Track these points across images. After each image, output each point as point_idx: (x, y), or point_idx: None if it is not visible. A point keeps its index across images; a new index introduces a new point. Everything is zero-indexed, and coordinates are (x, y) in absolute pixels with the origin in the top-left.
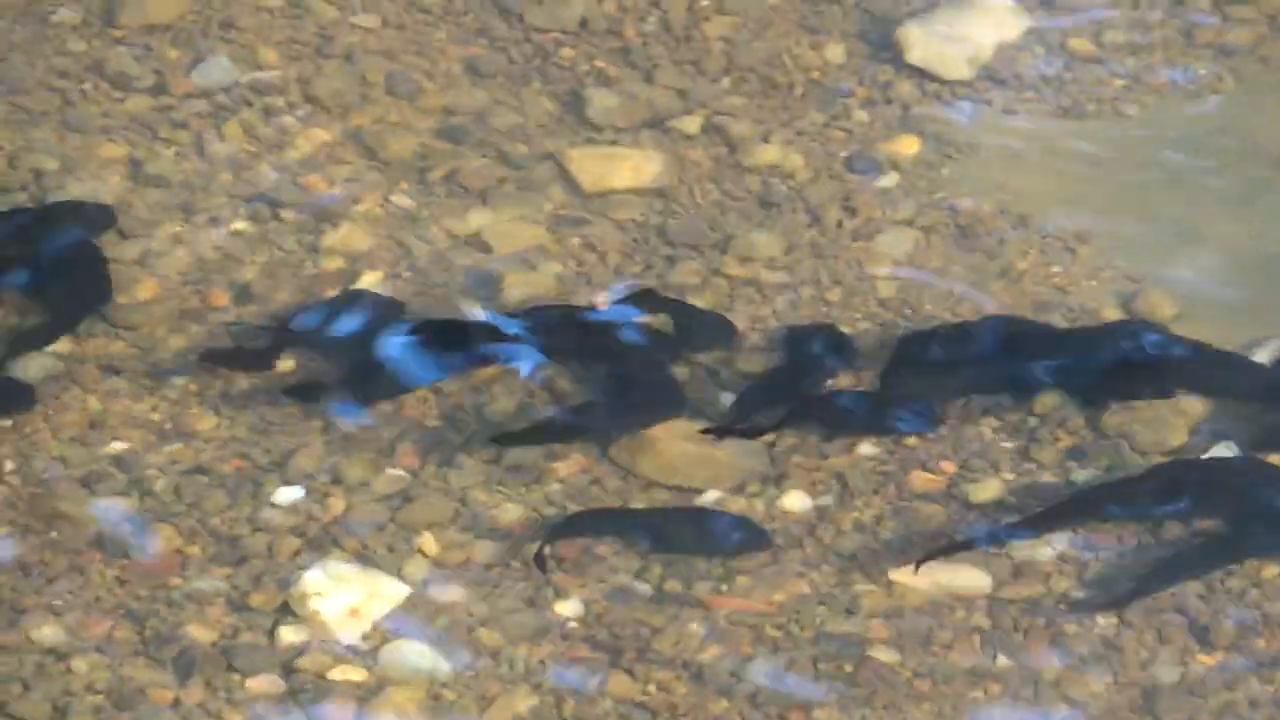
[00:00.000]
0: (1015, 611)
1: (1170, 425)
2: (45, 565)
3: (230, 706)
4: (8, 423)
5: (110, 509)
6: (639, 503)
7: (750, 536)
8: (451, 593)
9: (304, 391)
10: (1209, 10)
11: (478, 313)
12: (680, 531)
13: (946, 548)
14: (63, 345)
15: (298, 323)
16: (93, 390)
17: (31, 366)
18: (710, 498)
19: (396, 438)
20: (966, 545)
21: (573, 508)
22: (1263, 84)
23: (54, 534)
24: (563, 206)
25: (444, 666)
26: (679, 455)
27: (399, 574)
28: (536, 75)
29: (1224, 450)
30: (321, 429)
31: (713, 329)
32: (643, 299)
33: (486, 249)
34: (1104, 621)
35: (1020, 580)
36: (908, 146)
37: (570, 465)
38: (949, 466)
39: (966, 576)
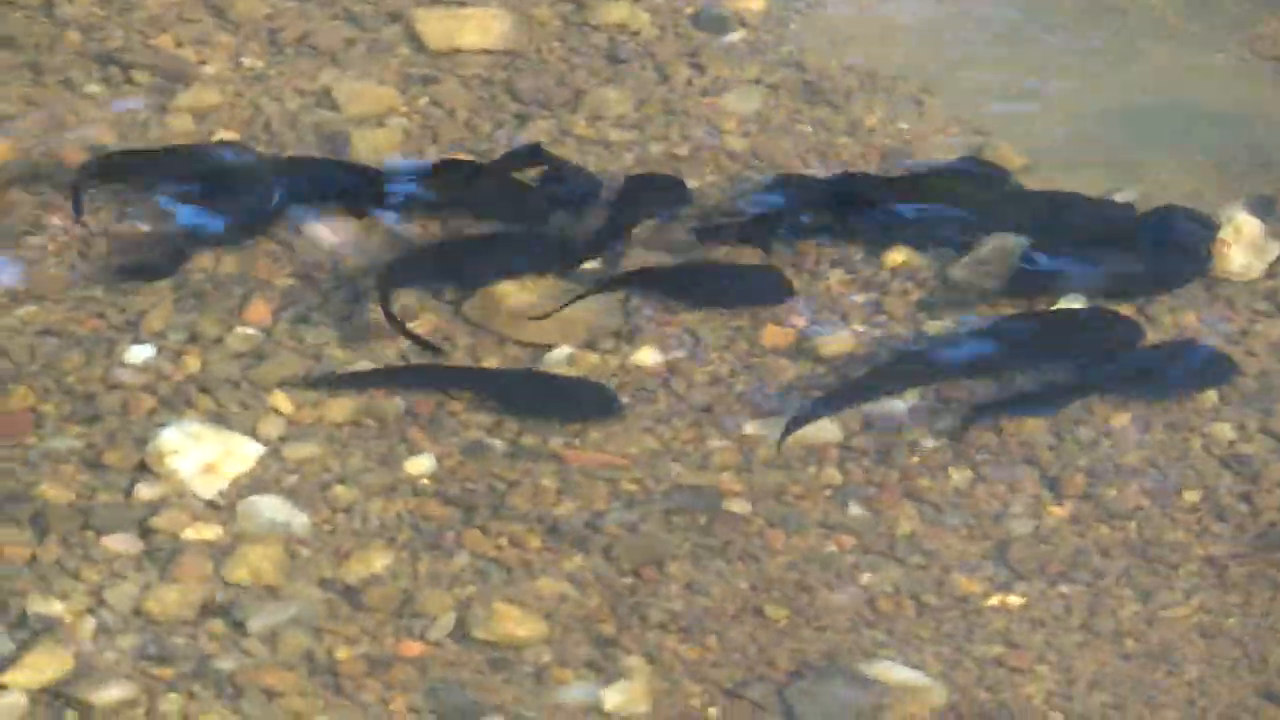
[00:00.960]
0: (868, 463)
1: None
2: None
3: (87, 564)
4: None
5: None
6: (492, 360)
7: (600, 402)
8: (306, 450)
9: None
10: None
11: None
12: (528, 395)
13: (806, 414)
14: None
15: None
16: None
17: None
18: (561, 354)
19: (248, 294)
20: (824, 409)
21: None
22: None
23: None
24: (410, 65)
25: (299, 523)
26: (530, 311)
27: (253, 432)
28: None
29: (1072, 301)
30: (173, 287)
31: (585, 184)
32: (527, 155)
33: (335, 107)
34: (957, 475)
35: (872, 430)
36: (755, 2)
37: (424, 323)
38: (800, 320)
39: (817, 427)
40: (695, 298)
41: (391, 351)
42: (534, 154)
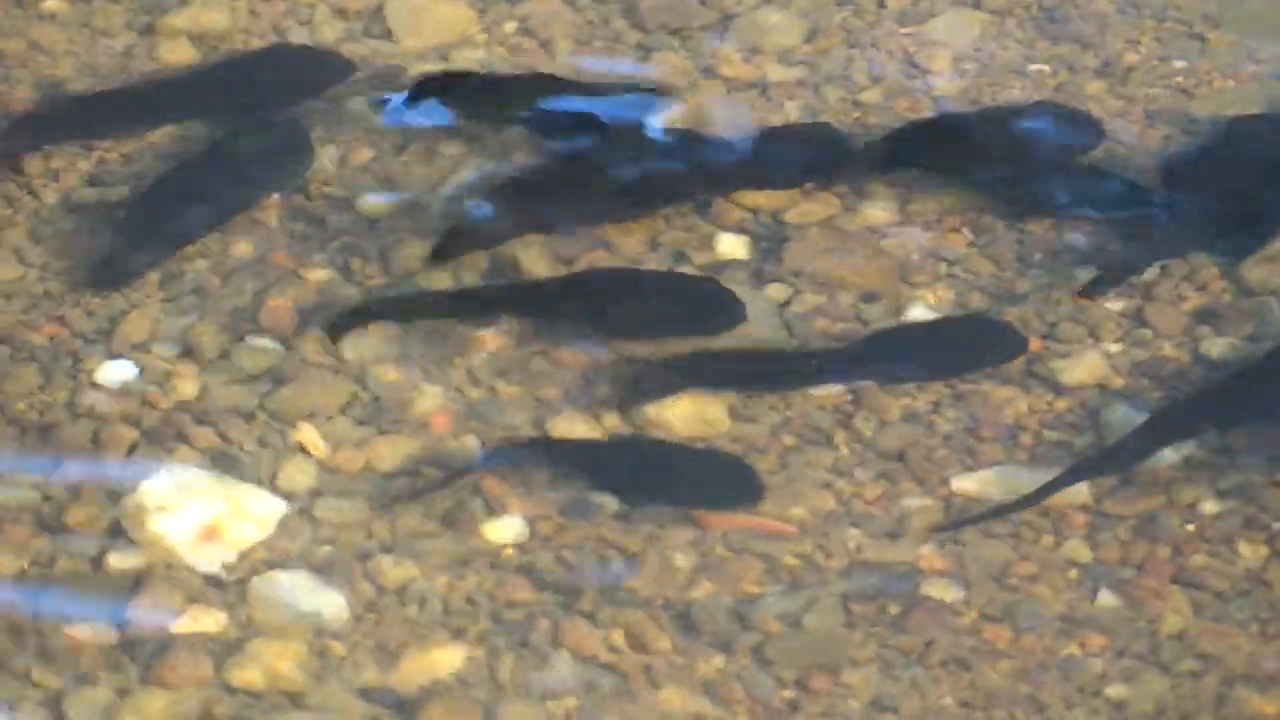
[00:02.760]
0: (1124, 532)
1: None
2: None
3: (42, 664)
4: None
5: None
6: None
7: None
8: (343, 508)
9: None
10: None
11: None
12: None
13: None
14: None
15: None
16: None
17: None
18: None
19: (266, 290)
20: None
21: (503, 387)
22: None
23: None
24: None
25: (334, 608)
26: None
27: (271, 483)
28: None
29: None
30: (161, 281)
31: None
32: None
33: (387, 35)
34: (1248, 552)
35: (1131, 488)
36: None
37: (501, 335)
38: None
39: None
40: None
41: (461, 372)
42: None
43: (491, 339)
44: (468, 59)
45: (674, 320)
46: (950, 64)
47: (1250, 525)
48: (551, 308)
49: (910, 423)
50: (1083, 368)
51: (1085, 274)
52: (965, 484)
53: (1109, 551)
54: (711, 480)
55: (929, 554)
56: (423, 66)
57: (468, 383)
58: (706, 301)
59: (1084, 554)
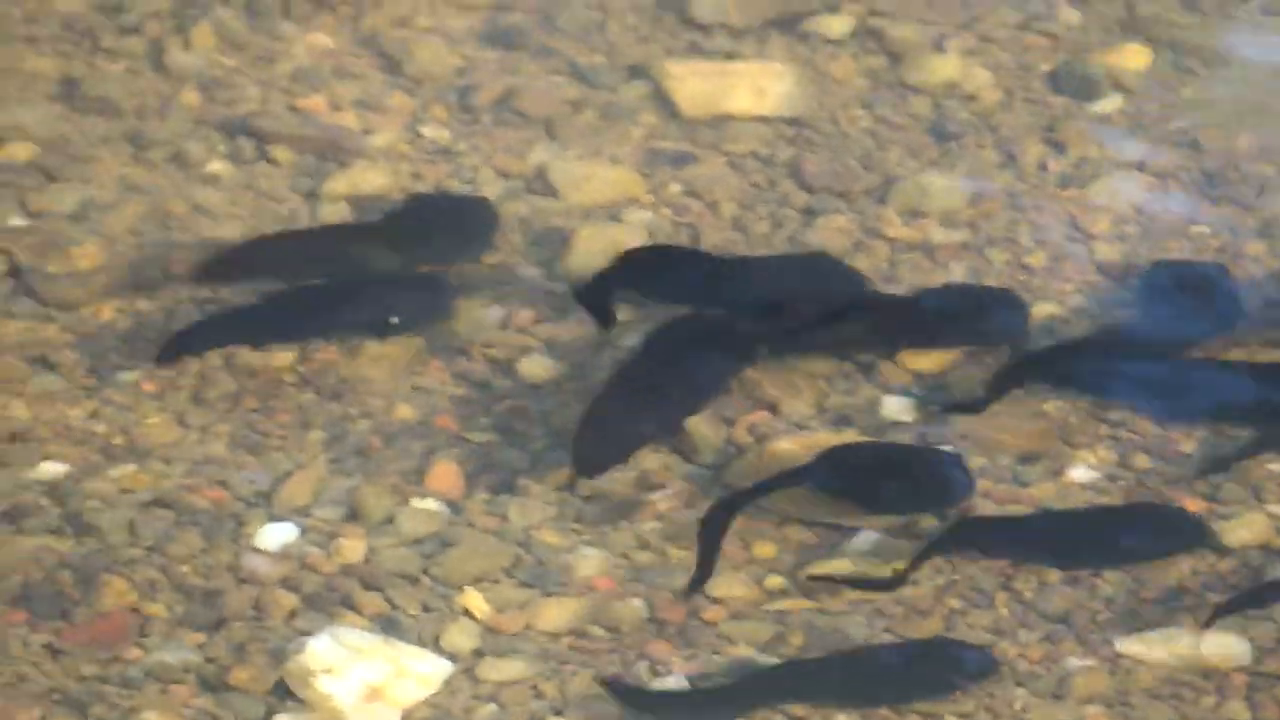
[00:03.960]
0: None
1: None
2: None
3: None
4: None
5: (40, 553)
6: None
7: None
8: (511, 669)
9: None
10: None
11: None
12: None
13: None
14: None
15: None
16: (17, 392)
17: None
18: (868, 538)
19: (430, 453)
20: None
21: (674, 552)
22: None
23: None
24: (657, 137)
25: None
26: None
27: (436, 645)
28: None
29: None
30: (324, 443)
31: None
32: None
33: (553, 194)
34: None
35: None
36: (1136, 59)
37: (671, 497)
38: (1194, 503)
39: (1218, 644)
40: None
41: (632, 536)
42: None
43: (662, 502)
44: (636, 220)
45: (913, 495)
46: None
47: None
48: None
49: (1071, 586)
50: (1246, 528)
51: (1247, 433)
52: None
53: (1268, 711)
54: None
55: (1095, 714)
56: (587, 226)
57: (635, 547)
58: (942, 474)
59: (1243, 714)
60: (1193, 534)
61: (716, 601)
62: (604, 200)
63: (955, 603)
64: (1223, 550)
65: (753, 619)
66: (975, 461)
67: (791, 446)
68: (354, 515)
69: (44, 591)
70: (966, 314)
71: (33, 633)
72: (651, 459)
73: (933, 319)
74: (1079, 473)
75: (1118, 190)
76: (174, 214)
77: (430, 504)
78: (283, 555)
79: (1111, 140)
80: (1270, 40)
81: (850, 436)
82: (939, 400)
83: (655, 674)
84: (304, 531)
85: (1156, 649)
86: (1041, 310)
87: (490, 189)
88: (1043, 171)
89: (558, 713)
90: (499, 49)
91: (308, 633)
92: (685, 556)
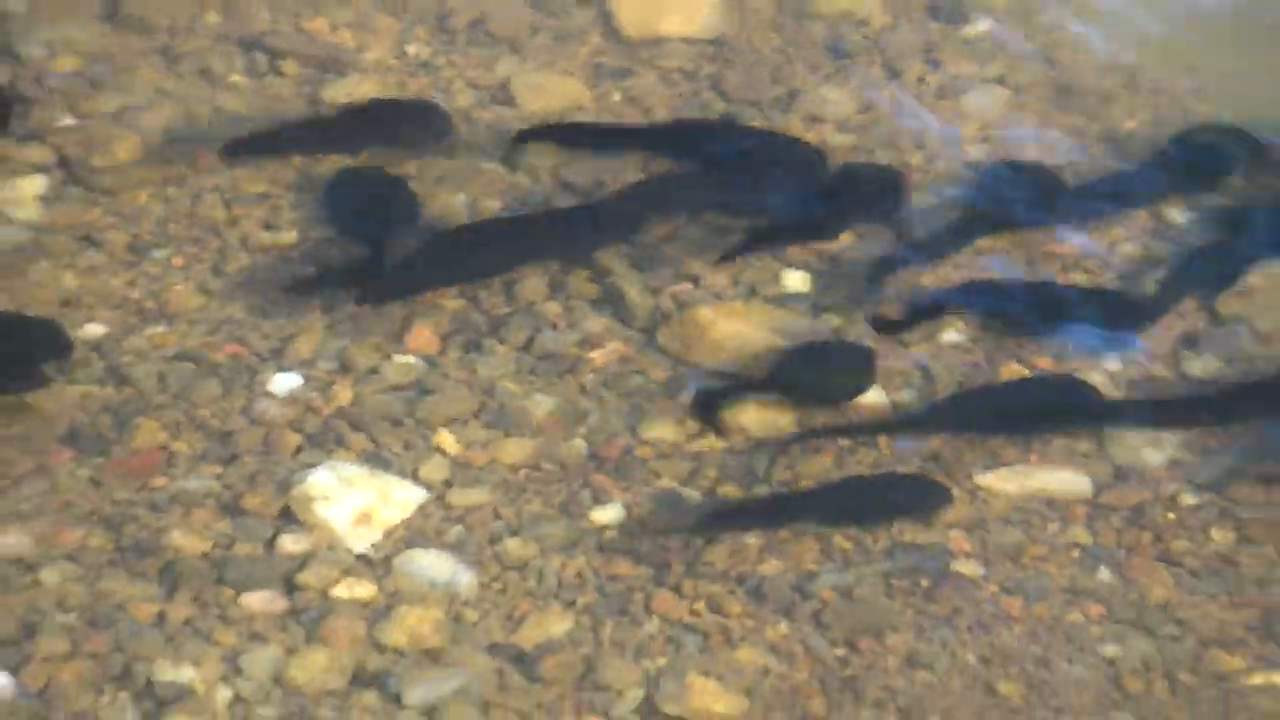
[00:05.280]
0: (1119, 522)
1: None
2: (8, 465)
3: (223, 625)
4: None
5: (84, 400)
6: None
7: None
8: (474, 497)
9: None
10: None
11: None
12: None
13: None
14: (30, 211)
15: None
16: (66, 264)
17: None
18: None
19: (410, 316)
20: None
21: (610, 399)
22: None
23: (17, 429)
24: (602, 55)
25: (465, 581)
26: (733, 338)
27: (415, 476)
28: None
29: None
30: (324, 308)
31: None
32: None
33: (513, 103)
34: (1219, 536)
35: (1126, 484)
36: None
37: (608, 352)
38: (1044, 361)
39: (1062, 480)
40: None
41: (571, 385)
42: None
43: (600, 358)
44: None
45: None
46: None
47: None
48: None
49: None
50: None
51: None
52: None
53: (1105, 537)
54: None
55: (957, 538)
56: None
57: (579, 394)
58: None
59: (1085, 538)
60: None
61: (646, 443)
62: (556, 107)
63: (846, 443)
64: None
65: (675, 458)
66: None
67: (710, 314)
68: (346, 367)
69: (88, 432)
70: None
71: (78, 467)
72: (595, 322)
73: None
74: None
75: (983, 101)
76: (200, 116)
77: (410, 359)
78: (289, 400)
79: (980, 58)
80: None
81: (758, 306)
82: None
83: (596, 501)
84: (306, 380)
85: (1009, 483)
86: (919, 199)
87: (462, 98)
88: (922, 84)
89: (514, 533)
90: None
91: (308, 466)
92: (619, 402)
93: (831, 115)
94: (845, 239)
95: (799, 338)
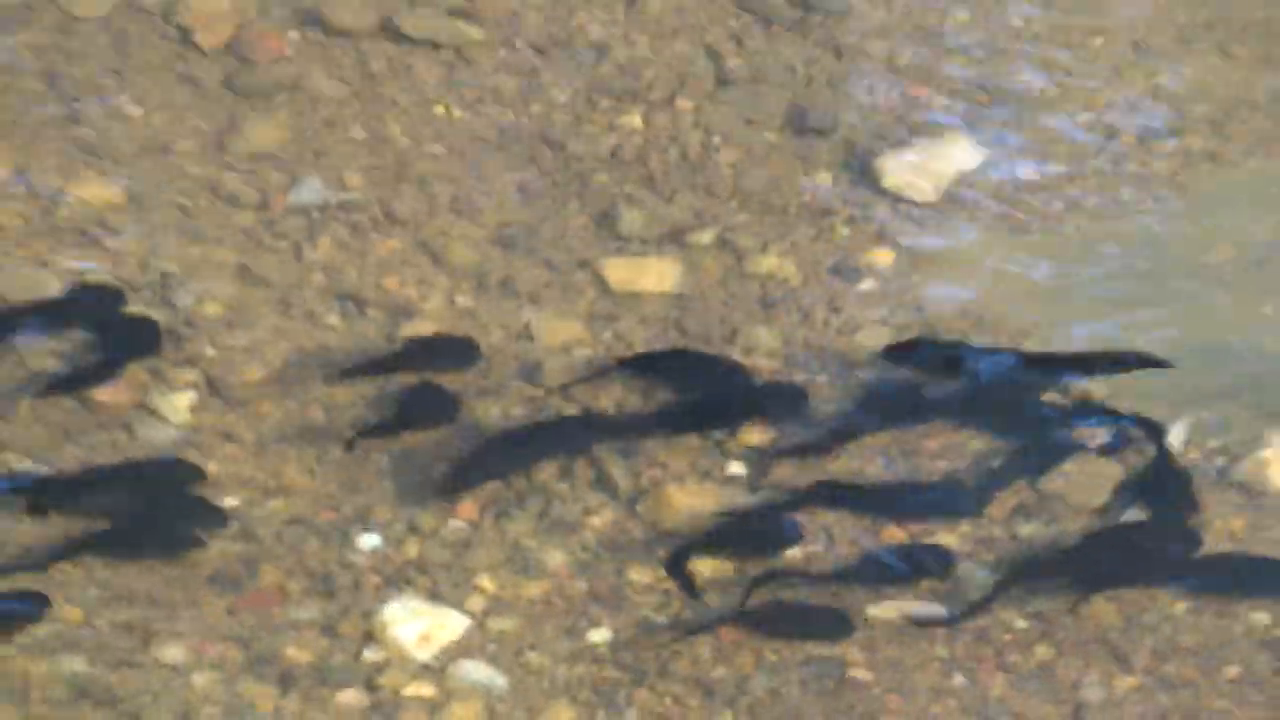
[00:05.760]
0: (969, 640)
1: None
2: (171, 600)
3: (322, 715)
4: None
5: (223, 553)
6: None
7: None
8: (505, 623)
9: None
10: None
11: None
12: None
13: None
14: (184, 417)
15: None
16: (209, 455)
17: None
18: None
19: (459, 493)
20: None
21: (603, 553)
22: (1179, 206)
23: (177, 574)
24: (596, 304)
25: (499, 683)
26: (690, 508)
27: (462, 607)
28: (575, 196)
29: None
30: (397, 486)
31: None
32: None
33: (532, 339)
34: (1041, 650)
35: (974, 615)
36: (884, 256)
37: (603, 518)
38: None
39: (928, 609)
40: None
41: (574, 541)
42: None
43: (597, 522)
44: (581, 353)
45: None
46: None
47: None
48: None
49: None
50: None
51: None
52: None
53: (959, 651)
54: None
55: (854, 653)
56: (551, 357)
57: (580, 549)
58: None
59: (944, 653)
60: None
61: (629, 583)
62: (564, 341)
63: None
64: None
65: (649, 594)
66: None
67: (675, 491)
68: (414, 529)
69: (226, 576)
70: None
71: (219, 600)
72: (592, 497)
73: None
74: None
75: (870, 336)
76: (308, 348)
77: (459, 523)
78: (371, 553)
79: (869, 305)
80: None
81: (709, 485)
82: None
83: (591, 625)
84: (384, 538)
85: (891, 613)
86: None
87: (495, 335)
88: (826, 325)
89: (533, 648)
90: (503, 250)
91: (385, 601)
92: (609, 554)
93: (762, 347)
94: (769, 436)
95: (738, 509)
